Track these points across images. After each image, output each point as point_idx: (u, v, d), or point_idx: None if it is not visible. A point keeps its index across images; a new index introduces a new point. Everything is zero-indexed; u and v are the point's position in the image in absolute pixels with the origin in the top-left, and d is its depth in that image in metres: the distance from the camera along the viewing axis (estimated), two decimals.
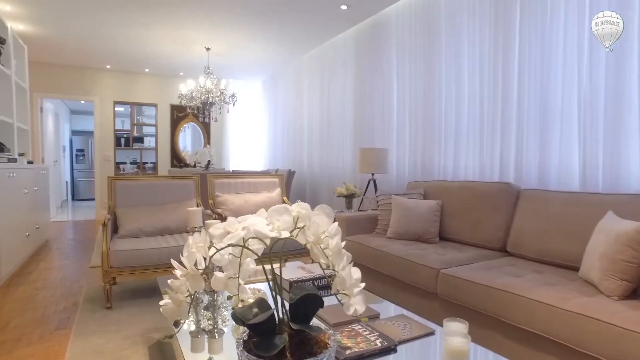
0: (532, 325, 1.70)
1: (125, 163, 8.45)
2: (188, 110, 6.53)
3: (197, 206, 3.41)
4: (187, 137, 8.41)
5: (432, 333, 1.55)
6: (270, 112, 7.75)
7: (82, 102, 8.99)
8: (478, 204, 2.89)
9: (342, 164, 5.34)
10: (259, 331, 1.01)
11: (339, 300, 1.02)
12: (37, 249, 4.63)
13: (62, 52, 6.23)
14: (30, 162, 4.97)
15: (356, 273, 1.00)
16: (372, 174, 4.21)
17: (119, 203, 3.25)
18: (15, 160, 4.27)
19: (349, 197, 4.06)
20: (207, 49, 5.71)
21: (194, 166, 6.45)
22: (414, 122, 4.12)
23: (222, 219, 3.04)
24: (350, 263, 0.99)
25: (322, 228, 1.02)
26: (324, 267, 1.04)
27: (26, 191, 4.13)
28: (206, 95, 5.46)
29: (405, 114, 4.25)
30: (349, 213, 3.45)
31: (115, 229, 3.19)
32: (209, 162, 6.15)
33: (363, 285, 1.01)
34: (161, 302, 1.09)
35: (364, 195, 4.24)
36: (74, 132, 11.05)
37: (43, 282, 3.41)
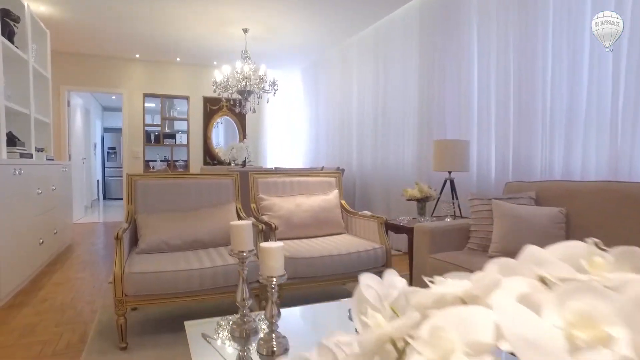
0: None
1: (155, 161, 7.95)
2: (223, 101, 5.88)
3: (239, 214, 2.69)
4: (220, 133, 7.81)
5: None
6: (311, 104, 7.01)
7: (113, 97, 8.59)
8: (632, 214, 2.02)
9: (402, 160, 4.52)
10: None
11: None
12: (54, 257, 4.08)
13: (89, 40, 5.72)
14: (50, 159, 4.44)
15: None
16: (449, 172, 3.39)
17: (139, 207, 2.58)
18: (30, 156, 3.72)
19: (422, 201, 3.25)
20: (245, 30, 5.03)
21: (229, 164, 5.80)
22: (503, 108, 3.26)
23: (272, 230, 2.32)
24: None
25: None
26: None
27: (40, 191, 3.55)
28: (243, 83, 4.78)
29: (489, 99, 3.40)
30: (430, 222, 2.65)
31: (135, 240, 2.52)
32: (245, 159, 5.46)
33: None
34: None
35: (438, 198, 3.43)
36: (106, 130, 10.72)
37: (51, 302, 2.79)
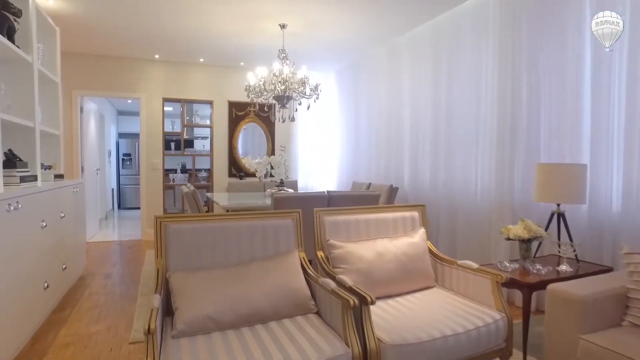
0: None
1: (175, 171, 7.32)
2: (257, 106, 5.15)
3: (305, 268, 1.95)
4: (240, 141, 7.10)
5: None
6: (348, 111, 6.28)
7: (129, 101, 7.99)
8: None
9: (474, 183, 3.77)
10: None
11: None
12: (63, 298, 3.42)
13: (104, 39, 5.09)
14: (59, 177, 3.81)
15: None
16: (558, 205, 2.65)
17: (172, 263, 1.89)
18: (34, 179, 3.07)
19: (528, 242, 2.52)
20: (282, 26, 4.33)
21: (261, 178, 5.11)
22: (636, 122, 2.50)
23: (367, 304, 1.60)
24: None
25: None
26: None
27: (44, 224, 2.90)
28: (282, 87, 4.08)
29: (611, 110, 2.64)
30: (572, 283, 1.91)
31: (168, 308, 1.84)
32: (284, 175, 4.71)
33: None
34: None
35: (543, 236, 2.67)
36: (121, 135, 10.14)
37: None
